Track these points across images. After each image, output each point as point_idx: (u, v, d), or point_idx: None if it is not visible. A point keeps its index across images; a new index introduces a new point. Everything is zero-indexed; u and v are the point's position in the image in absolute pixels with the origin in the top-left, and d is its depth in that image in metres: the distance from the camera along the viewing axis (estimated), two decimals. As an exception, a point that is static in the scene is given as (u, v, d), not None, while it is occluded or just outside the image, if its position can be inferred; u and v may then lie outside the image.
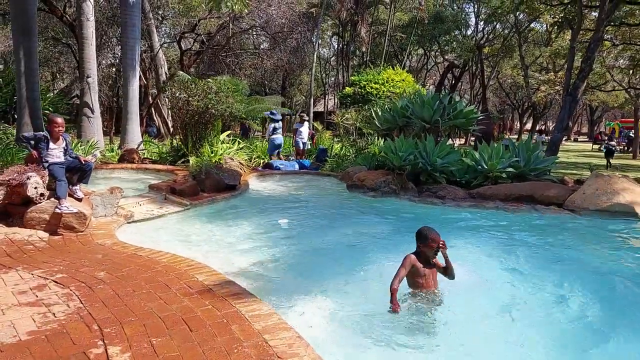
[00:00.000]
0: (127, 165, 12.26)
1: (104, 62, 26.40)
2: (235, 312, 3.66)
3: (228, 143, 13.42)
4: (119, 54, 20.95)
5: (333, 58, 43.54)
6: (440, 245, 4.24)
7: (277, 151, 15.24)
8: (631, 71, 28.59)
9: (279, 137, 15.17)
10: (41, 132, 6.76)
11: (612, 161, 20.49)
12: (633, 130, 31.09)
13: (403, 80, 20.31)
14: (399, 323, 3.89)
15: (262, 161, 14.53)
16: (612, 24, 20.53)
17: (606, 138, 26.08)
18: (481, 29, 38.06)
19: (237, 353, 3.05)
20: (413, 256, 4.28)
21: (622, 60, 31.10)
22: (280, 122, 16.74)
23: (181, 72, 17.95)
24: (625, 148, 35.82)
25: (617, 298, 4.78)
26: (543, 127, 60.06)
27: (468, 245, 6.11)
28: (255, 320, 3.50)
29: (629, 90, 28.83)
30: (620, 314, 4.45)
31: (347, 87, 22.11)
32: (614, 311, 4.48)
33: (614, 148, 20.93)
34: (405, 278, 4.26)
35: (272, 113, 15.20)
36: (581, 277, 5.24)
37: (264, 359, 2.98)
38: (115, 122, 31.40)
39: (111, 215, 6.90)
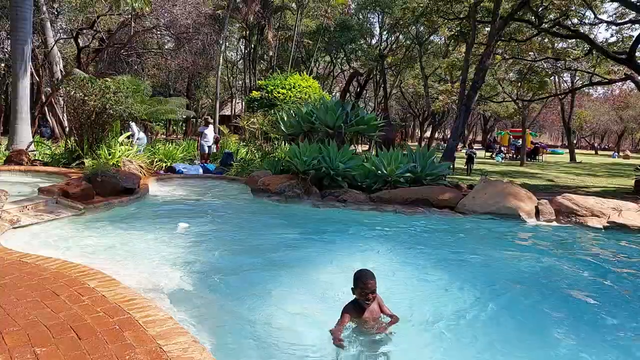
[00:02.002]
0: (14, 167, 11.47)
1: (-9, 57, 24.63)
2: (128, 318, 3.54)
3: (127, 145, 12.91)
4: (9, 48, 19.45)
5: (240, 61, 43.27)
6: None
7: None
8: (519, 84, 30.94)
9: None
10: None
11: (497, 167, 22.06)
12: (521, 139, 33.61)
13: (309, 86, 20.61)
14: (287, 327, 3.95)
15: (164, 165, 14.13)
16: (502, 39, 22.16)
17: (467, 146, 27.86)
18: (385, 38, 39.56)
19: None
20: (350, 306, 3.83)
21: (511, 74, 33.59)
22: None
23: (77, 70, 16.99)
24: (514, 156, 38.74)
25: (500, 290, 5.16)
26: (442, 135, 63.43)
27: (368, 248, 6.34)
28: (150, 326, 3.41)
29: (517, 101, 31.17)
30: (505, 302, 4.80)
31: (254, 91, 22.06)
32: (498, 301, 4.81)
33: (474, 155, 22.71)
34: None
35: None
36: (471, 272, 5.66)
37: (157, 364, 2.93)
38: (3, 122, 29.22)
39: (-6, 220, 6.42)
